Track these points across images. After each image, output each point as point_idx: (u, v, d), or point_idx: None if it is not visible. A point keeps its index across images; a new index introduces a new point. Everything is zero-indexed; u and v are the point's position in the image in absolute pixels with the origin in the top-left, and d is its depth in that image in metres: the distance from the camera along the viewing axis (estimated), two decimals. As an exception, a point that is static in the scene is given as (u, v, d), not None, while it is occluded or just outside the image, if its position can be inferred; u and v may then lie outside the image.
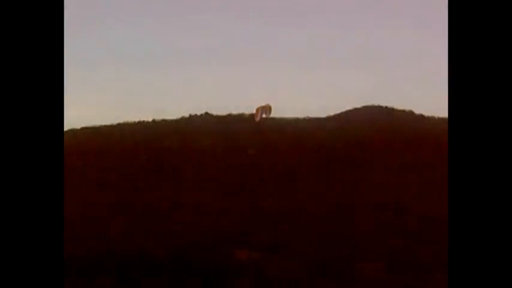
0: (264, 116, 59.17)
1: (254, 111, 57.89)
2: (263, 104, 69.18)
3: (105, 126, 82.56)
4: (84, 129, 77.03)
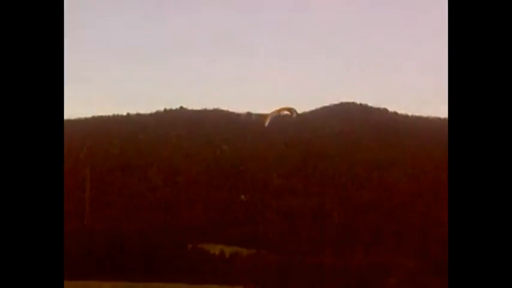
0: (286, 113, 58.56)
1: (270, 112, 56.33)
2: (284, 106, 67.93)
3: (79, 119, 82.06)
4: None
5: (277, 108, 61.14)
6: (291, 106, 56.23)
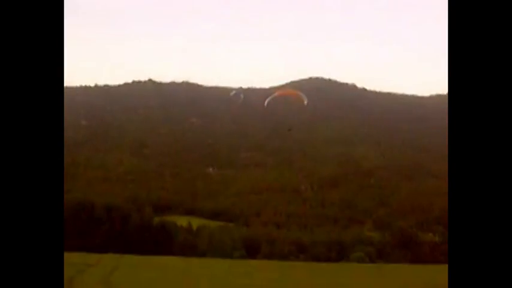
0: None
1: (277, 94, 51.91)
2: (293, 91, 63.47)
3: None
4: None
5: (284, 91, 57.63)
6: (300, 94, 52.54)
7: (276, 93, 50.99)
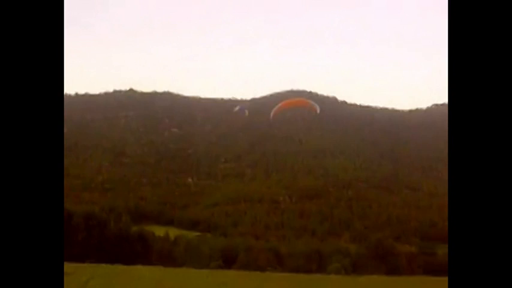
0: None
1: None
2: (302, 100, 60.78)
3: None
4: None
5: (293, 100, 55.52)
6: (311, 102, 51.08)
7: (282, 104, 50.30)
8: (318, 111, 47.87)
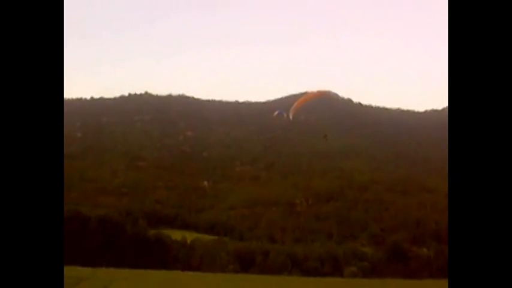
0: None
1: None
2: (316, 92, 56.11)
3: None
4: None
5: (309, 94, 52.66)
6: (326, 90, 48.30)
7: (297, 103, 48.69)
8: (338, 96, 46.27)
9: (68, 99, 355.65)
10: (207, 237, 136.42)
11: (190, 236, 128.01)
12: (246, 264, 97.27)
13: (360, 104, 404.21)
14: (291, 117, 44.68)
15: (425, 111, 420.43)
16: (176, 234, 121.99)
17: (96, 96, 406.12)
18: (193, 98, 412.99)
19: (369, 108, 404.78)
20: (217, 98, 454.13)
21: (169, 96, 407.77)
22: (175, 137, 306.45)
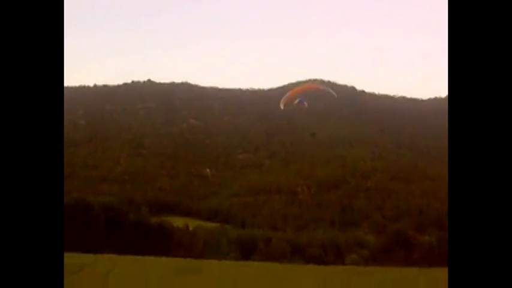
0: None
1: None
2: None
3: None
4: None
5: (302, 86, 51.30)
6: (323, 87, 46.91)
7: (290, 93, 47.99)
8: (336, 95, 45.54)
9: (71, 87, 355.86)
10: (210, 225, 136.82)
11: (192, 223, 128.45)
12: (247, 251, 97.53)
13: (363, 91, 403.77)
14: (282, 107, 44.03)
15: (429, 99, 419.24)
16: (178, 222, 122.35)
17: (100, 83, 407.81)
18: (196, 86, 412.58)
19: (373, 96, 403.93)
20: (220, 85, 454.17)
21: (172, 84, 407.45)
22: (178, 125, 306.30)
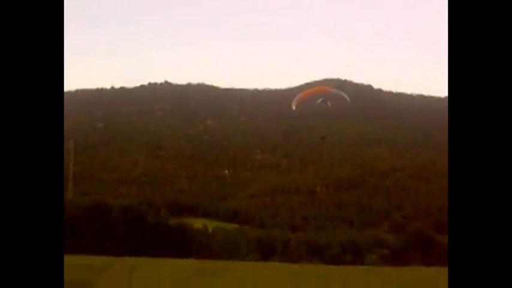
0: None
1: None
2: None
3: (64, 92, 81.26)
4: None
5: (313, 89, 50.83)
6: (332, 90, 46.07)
7: (300, 95, 47.61)
8: (348, 99, 44.65)
9: (89, 90, 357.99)
10: (228, 226, 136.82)
11: (211, 225, 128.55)
12: (267, 252, 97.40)
13: (380, 90, 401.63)
14: (294, 107, 43.50)
15: (446, 97, 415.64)
16: (197, 223, 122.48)
17: (117, 86, 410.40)
18: (212, 87, 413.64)
19: (390, 94, 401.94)
20: (236, 86, 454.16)
21: (189, 85, 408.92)
22: (195, 126, 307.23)
